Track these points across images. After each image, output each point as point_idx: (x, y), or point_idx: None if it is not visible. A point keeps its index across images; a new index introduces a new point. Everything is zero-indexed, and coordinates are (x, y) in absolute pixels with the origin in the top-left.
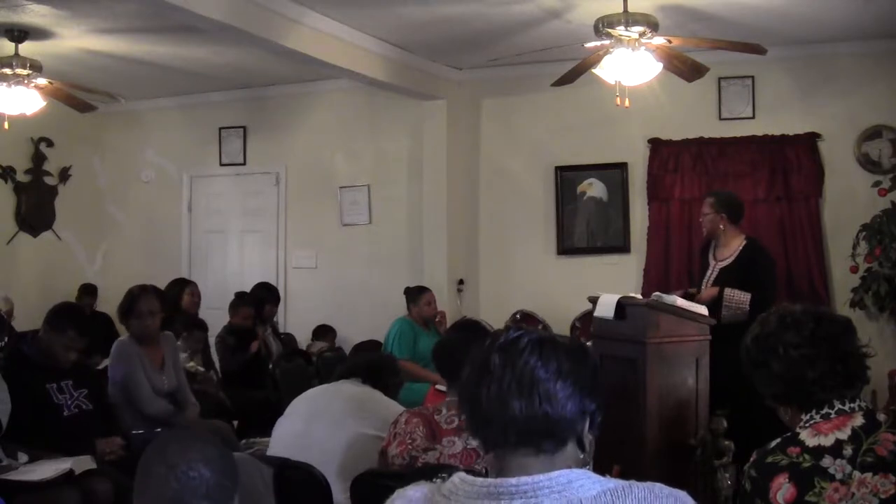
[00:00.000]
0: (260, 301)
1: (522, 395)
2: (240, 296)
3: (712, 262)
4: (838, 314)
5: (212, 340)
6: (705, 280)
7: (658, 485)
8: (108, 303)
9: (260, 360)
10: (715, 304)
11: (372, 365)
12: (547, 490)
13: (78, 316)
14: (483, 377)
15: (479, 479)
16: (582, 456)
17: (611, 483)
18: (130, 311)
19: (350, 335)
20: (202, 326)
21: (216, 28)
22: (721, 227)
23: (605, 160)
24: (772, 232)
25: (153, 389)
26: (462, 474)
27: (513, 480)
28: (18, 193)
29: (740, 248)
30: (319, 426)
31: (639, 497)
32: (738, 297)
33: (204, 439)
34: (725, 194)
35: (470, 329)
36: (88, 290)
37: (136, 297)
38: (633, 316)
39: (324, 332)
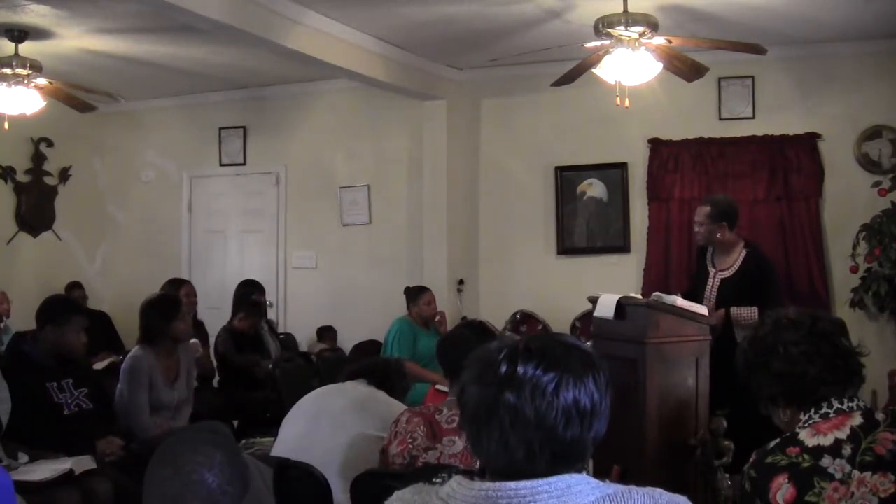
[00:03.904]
0: (247, 297)
1: (531, 444)
2: (250, 304)
3: (711, 271)
4: (832, 316)
5: (211, 341)
6: (707, 292)
7: (658, 490)
8: (107, 302)
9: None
10: (724, 324)
11: (379, 367)
12: (546, 495)
13: (71, 301)
14: (490, 419)
15: (477, 483)
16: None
17: (610, 489)
18: (175, 314)
19: (350, 335)
20: (200, 326)
21: (216, 28)
22: (719, 236)
23: (605, 160)
24: (772, 232)
25: (160, 404)
26: (460, 478)
27: (511, 485)
28: (18, 193)
29: (742, 258)
30: (322, 426)
31: (638, 503)
32: (747, 314)
33: (213, 443)
34: (722, 200)
35: (476, 329)
36: (75, 285)
37: (177, 300)
38: (633, 316)
39: (324, 332)
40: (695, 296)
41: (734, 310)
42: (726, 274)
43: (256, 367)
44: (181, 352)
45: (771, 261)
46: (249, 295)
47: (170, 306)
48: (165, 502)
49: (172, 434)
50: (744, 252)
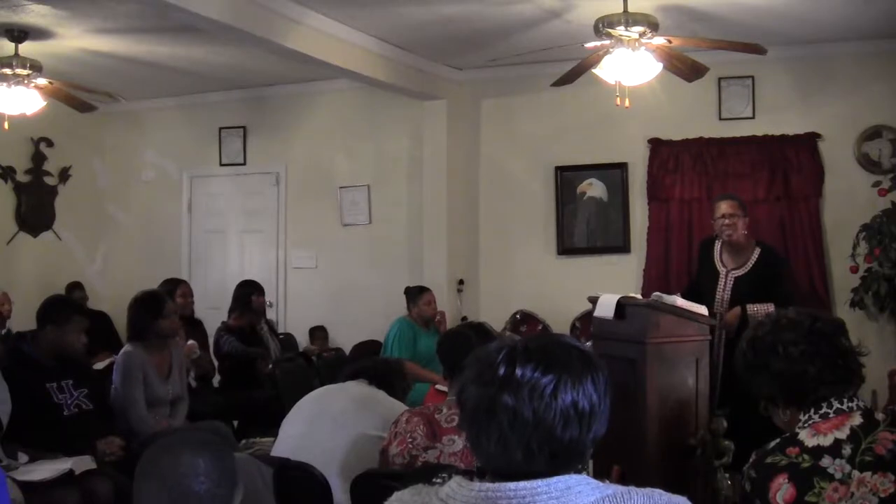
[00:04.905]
0: (246, 297)
1: (530, 445)
2: (244, 303)
3: (722, 270)
4: (831, 316)
5: (210, 342)
6: (719, 291)
7: (657, 491)
8: (107, 302)
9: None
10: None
11: (379, 367)
12: (545, 496)
13: (72, 301)
14: (490, 421)
15: (477, 484)
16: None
17: (609, 489)
18: (160, 312)
19: (350, 335)
20: (198, 326)
21: (216, 28)
22: (746, 231)
23: (605, 160)
24: (772, 232)
25: (155, 399)
26: (459, 478)
27: (510, 485)
28: (18, 193)
29: (756, 256)
30: (322, 426)
31: (637, 503)
32: (765, 311)
33: (198, 448)
34: (735, 194)
35: (477, 329)
36: (76, 286)
37: (163, 298)
38: (633, 316)
39: (315, 332)
40: (698, 295)
41: (750, 307)
42: (740, 272)
43: (264, 359)
44: (172, 348)
45: (784, 257)
46: (248, 295)
47: (155, 303)
48: None
49: (158, 439)
50: (758, 250)
